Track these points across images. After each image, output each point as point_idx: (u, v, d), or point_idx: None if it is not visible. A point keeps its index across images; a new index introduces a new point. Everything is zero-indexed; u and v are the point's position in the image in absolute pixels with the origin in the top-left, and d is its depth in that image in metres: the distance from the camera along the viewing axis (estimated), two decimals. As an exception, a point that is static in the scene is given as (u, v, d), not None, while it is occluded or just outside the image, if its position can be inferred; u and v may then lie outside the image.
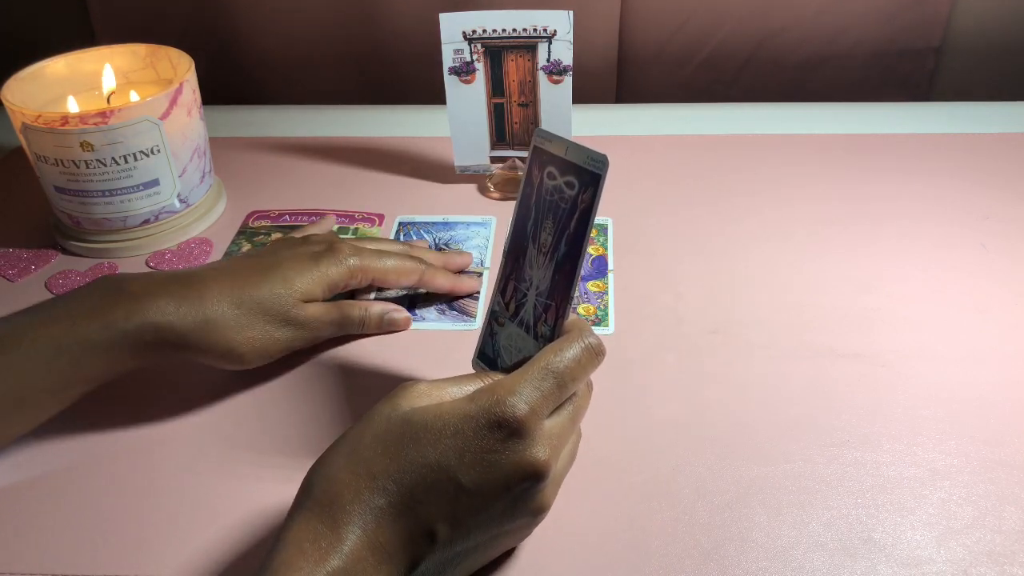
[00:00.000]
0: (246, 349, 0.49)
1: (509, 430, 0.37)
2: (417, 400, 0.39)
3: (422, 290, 0.59)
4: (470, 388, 0.40)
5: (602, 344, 0.41)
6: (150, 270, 0.49)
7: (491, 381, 0.40)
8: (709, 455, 0.47)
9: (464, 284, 0.59)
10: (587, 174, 0.41)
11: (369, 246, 0.56)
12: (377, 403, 0.40)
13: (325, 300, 0.53)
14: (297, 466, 0.47)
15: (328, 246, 0.54)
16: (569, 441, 0.41)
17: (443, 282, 0.58)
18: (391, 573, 0.36)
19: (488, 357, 0.46)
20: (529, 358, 0.41)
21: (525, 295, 0.44)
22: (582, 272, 0.44)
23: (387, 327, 0.56)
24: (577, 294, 0.44)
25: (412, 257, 0.57)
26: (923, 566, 0.41)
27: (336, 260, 0.53)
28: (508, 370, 0.42)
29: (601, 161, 0.40)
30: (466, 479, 0.37)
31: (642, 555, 0.42)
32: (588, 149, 0.41)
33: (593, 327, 0.56)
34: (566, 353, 0.40)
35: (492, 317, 0.46)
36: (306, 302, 0.51)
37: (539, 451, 0.37)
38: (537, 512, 0.39)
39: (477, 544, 0.38)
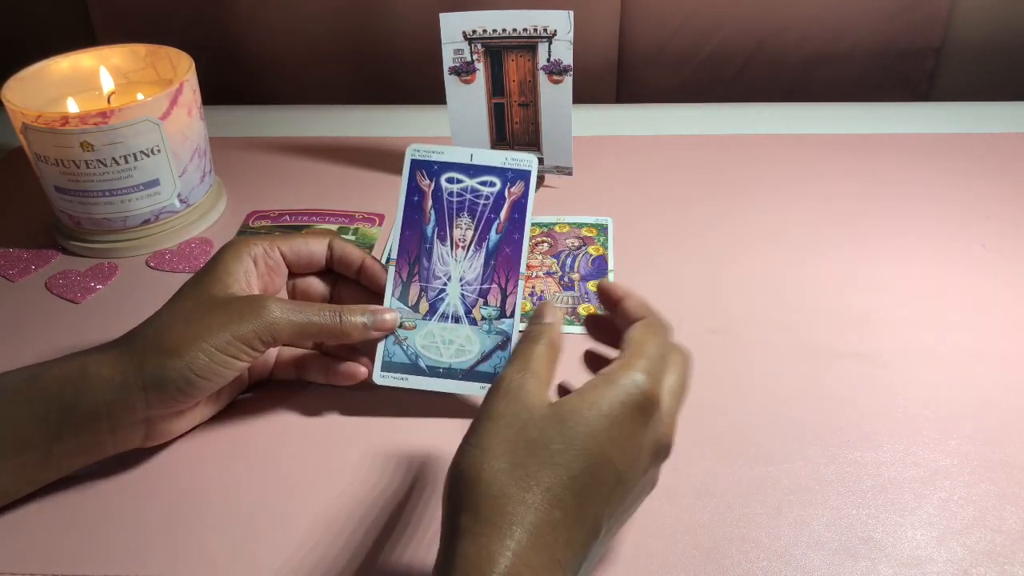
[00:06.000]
0: (181, 348, 0.43)
1: (651, 411, 0.38)
2: (540, 389, 0.38)
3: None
4: (547, 374, 0.40)
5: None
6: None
7: (614, 365, 0.39)
8: (709, 455, 0.47)
9: (374, 265, 0.51)
10: (510, 172, 0.50)
11: None
12: (494, 400, 0.38)
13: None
14: (295, 464, 0.47)
15: (226, 244, 0.50)
16: None
17: (354, 249, 0.51)
18: (562, 573, 0.35)
19: (400, 364, 0.49)
20: (467, 345, 0.48)
21: (442, 291, 0.49)
22: (527, 252, 0.50)
23: (378, 331, 0.49)
24: (524, 270, 0.50)
25: (323, 230, 0.53)
26: (923, 566, 0.41)
27: (231, 243, 0.49)
28: (433, 367, 0.48)
29: (528, 160, 0.50)
30: (623, 466, 0.37)
31: (642, 555, 0.42)
32: (498, 152, 0.50)
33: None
34: (656, 327, 0.41)
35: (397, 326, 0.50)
36: (233, 288, 0.46)
37: (668, 427, 0.39)
38: (652, 487, 0.40)
39: (613, 530, 0.39)
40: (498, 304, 0.50)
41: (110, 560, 0.43)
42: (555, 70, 0.66)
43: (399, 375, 0.49)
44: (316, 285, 0.52)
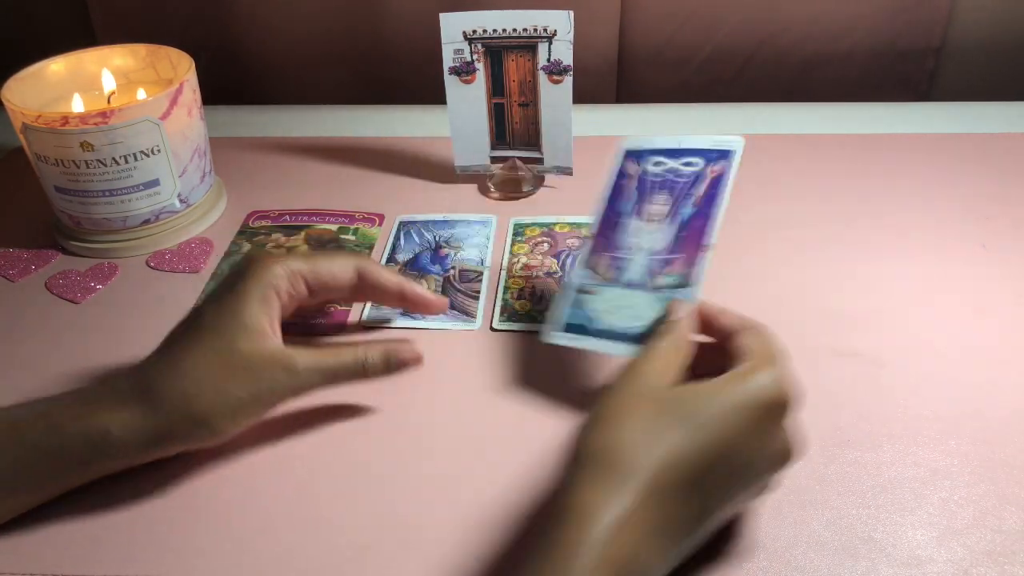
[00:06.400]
0: (212, 419, 0.43)
1: (780, 413, 0.39)
2: (663, 376, 0.40)
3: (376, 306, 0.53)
4: (670, 365, 0.41)
5: None
6: (114, 374, 0.46)
7: (743, 364, 0.40)
8: (709, 455, 0.47)
9: (418, 292, 0.52)
10: (715, 152, 0.52)
11: (300, 252, 0.50)
12: (619, 380, 0.40)
13: (294, 339, 0.47)
14: (296, 465, 0.47)
15: (244, 262, 0.48)
16: None
17: (388, 278, 0.50)
18: (662, 546, 0.36)
19: (576, 326, 0.49)
20: (643, 311, 0.47)
21: (629, 260, 0.50)
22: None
23: (397, 368, 0.48)
24: (713, 241, 0.50)
25: (352, 254, 0.51)
26: (923, 566, 0.41)
27: (252, 272, 0.46)
28: (607, 331, 0.48)
29: (735, 141, 0.52)
30: (743, 458, 0.38)
31: (642, 555, 0.42)
32: (703, 137, 0.53)
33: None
34: (768, 335, 0.43)
35: (579, 291, 0.50)
36: (259, 340, 0.45)
37: (791, 434, 0.40)
38: (762, 493, 0.41)
39: (714, 521, 0.39)
40: (681, 273, 0.49)
41: (110, 560, 0.43)
42: (555, 70, 0.66)
43: (574, 335, 0.49)
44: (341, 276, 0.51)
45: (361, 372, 0.47)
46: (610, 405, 0.39)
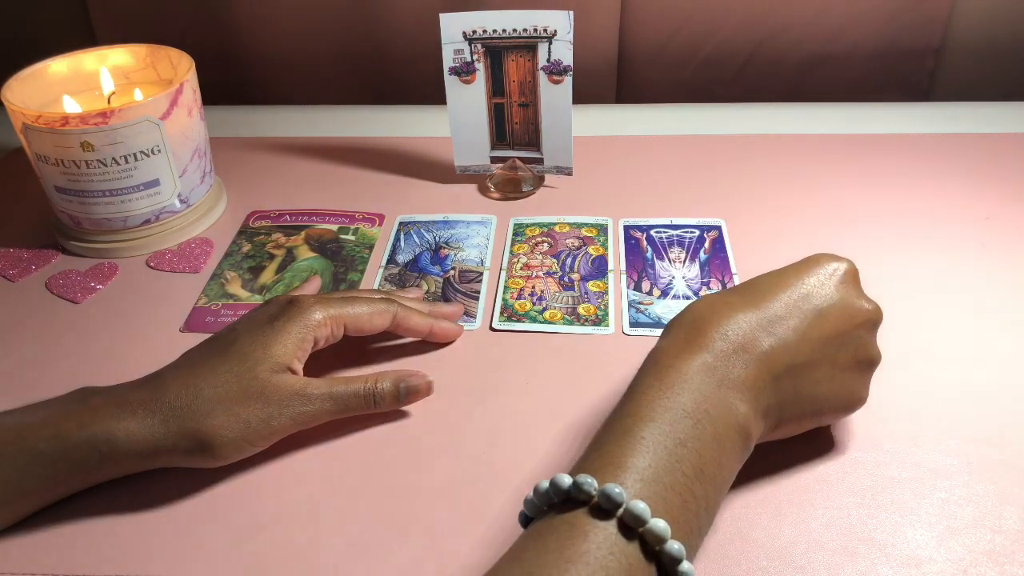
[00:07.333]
0: (216, 441, 0.44)
1: (849, 275, 0.44)
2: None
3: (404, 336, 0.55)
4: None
5: None
6: (122, 383, 0.46)
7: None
8: (709, 455, 0.47)
9: (445, 329, 0.54)
10: (705, 226, 0.64)
11: (337, 296, 0.52)
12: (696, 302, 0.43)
13: (311, 370, 0.48)
14: (296, 465, 0.47)
15: (288, 302, 0.49)
16: None
17: (419, 322, 0.53)
18: (754, 400, 0.40)
19: (645, 323, 0.56)
20: None
21: (671, 283, 0.59)
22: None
23: (407, 399, 0.50)
24: (736, 271, 0.61)
25: (385, 299, 0.52)
26: (923, 566, 0.41)
27: (296, 314, 0.48)
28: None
29: (718, 221, 0.65)
30: (813, 305, 0.42)
31: (642, 555, 0.42)
32: (690, 219, 0.65)
33: (593, 327, 0.56)
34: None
35: (634, 305, 0.58)
36: (280, 372, 0.46)
37: (867, 301, 0.44)
38: (869, 364, 0.44)
39: (813, 392, 0.42)
40: (722, 282, 0.59)
41: (110, 560, 0.43)
42: (555, 70, 0.66)
43: (646, 329, 0.56)
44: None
45: (371, 400, 0.48)
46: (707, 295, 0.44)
